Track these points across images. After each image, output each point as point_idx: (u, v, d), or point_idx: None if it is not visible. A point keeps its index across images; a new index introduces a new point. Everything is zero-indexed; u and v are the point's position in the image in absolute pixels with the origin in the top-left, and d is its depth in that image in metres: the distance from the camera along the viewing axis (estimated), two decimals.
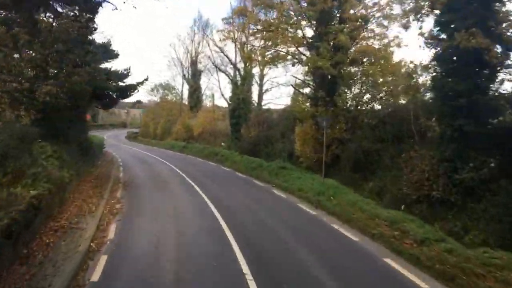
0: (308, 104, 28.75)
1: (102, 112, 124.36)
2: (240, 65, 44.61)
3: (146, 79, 29.56)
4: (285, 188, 20.42)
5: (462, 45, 13.99)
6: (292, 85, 31.21)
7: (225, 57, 48.51)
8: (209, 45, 55.87)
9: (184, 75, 67.64)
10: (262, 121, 38.98)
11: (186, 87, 69.76)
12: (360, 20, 23.34)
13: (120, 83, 28.48)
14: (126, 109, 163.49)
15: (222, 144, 42.58)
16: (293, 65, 27.96)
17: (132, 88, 28.48)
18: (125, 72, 29.73)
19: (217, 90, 58.11)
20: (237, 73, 44.81)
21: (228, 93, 54.46)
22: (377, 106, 25.16)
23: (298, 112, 28.75)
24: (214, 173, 27.11)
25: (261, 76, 47.95)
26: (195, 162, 33.78)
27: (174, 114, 62.74)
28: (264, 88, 50.81)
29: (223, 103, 55.06)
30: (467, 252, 9.84)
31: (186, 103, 67.13)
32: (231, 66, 50.02)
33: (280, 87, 49.12)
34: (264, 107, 49.40)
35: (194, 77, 63.66)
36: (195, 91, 63.48)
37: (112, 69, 29.06)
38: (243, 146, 38.27)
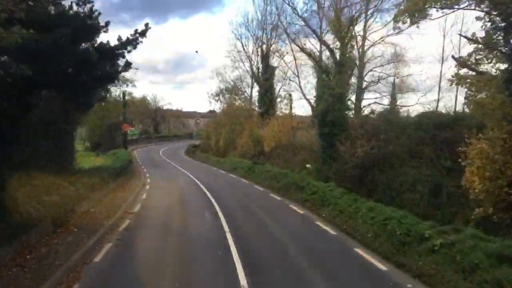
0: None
1: (172, 122, 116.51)
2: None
3: (145, 31, 13.92)
4: None
5: None
6: (453, 57, 15.58)
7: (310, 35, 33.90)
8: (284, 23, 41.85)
9: (253, 73, 54.15)
10: (375, 132, 23.67)
11: (256, 89, 56.48)
12: None
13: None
14: (198, 119, 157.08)
15: (308, 166, 27.76)
16: None
17: (116, 54, 13.53)
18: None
19: (296, 90, 43.62)
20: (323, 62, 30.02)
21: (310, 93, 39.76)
22: None
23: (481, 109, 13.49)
24: (313, 250, 11.97)
25: (361, 64, 32.38)
26: (266, 204, 19.34)
27: (240, 122, 49.14)
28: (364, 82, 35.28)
29: (301, 109, 40.20)
30: None
31: (256, 109, 53.57)
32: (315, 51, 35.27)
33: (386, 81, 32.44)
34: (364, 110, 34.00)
35: (265, 74, 49.84)
36: (266, 93, 49.51)
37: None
38: (343, 171, 23.29)
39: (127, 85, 44.96)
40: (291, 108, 40.92)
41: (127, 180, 23.97)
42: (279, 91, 51.86)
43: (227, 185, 25.48)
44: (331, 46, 28.52)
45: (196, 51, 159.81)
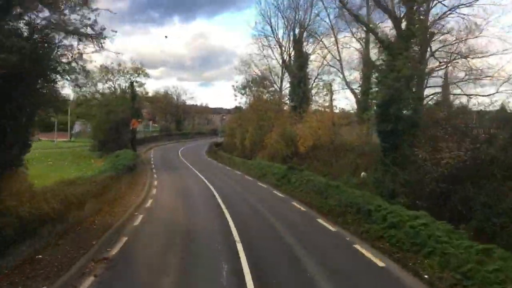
0: None
1: (196, 119, 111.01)
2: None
3: None
4: None
5: None
6: None
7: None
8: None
9: (283, 61, 47.43)
10: (464, 131, 16.58)
11: (287, 80, 49.75)
12: None
13: None
14: (223, 115, 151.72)
15: (363, 175, 20.93)
16: None
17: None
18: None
19: (336, 80, 36.53)
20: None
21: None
22: None
23: None
24: None
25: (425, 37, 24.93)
26: (317, 241, 12.68)
27: (268, 117, 42.53)
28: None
29: (342, 101, 33.11)
30: None
31: (288, 102, 46.89)
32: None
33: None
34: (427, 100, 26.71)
35: (298, 61, 43.00)
36: (299, 84, 42.71)
37: None
38: (419, 184, 16.58)
39: (138, 75, 39.28)
40: (331, 100, 33.94)
41: (119, 198, 17.72)
42: (314, 82, 45.02)
43: (256, 202, 18.92)
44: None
45: (166, 36, 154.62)
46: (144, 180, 24.30)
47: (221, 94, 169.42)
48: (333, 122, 29.12)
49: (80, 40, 10.41)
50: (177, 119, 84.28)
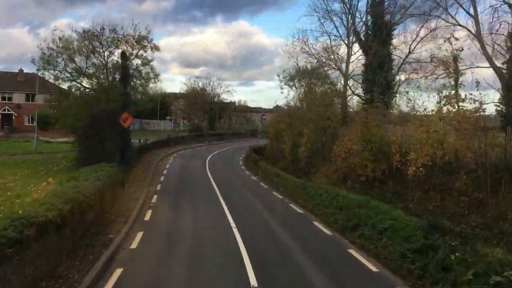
0: None
1: (233, 117, 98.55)
2: None
3: None
4: None
5: None
6: None
7: None
8: None
9: (355, 32, 33.71)
10: None
11: (353, 64, 36.06)
12: None
13: None
14: (264, 114, 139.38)
15: None
16: None
17: None
18: None
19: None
20: None
21: None
22: None
23: None
24: None
25: None
26: None
27: (332, 114, 29.11)
28: None
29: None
30: None
31: (361, 93, 33.36)
32: None
33: None
34: None
35: (379, 34, 29.19)
36: (381, 66, 28.99)
37: None
38: None
39: (143, 48, 26.58)
40: (457, 86, 19.78)
41: None
42: (401, 65, 30.98)
43: None
44: None
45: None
46: (118, 228, 11.64)
47: (261, 94, 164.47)
48: (482, 126, 15.25)
49: None
50: (211, 117, 72.21)
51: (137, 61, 27.60)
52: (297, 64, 42.19)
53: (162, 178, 25.21)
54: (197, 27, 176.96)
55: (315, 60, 39.17)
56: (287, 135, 32.67)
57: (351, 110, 33.91)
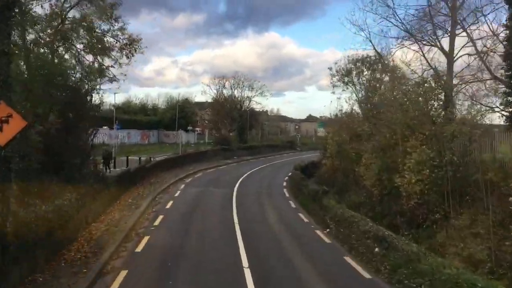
0: None
1: (265, 127, 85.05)
2: None
3: None
4: None
5: None
6: None
7: None
8: None
9: None
10: None
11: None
12: None
13: None
14: (297, 124, 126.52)
15: None
16: None
17: None
18: None
19: None
20: None
21: None
22: None
23: None
24: None
25: None
26: None
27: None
28: None
29: None
30: None
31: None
32: None
33: None
34: None
35: None
36: None
37: None
38: None
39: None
40: None
41: None
42: None
43: None
44: None
45: None
46: None
47: (291, 105, 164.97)
48: None
49: None
50: (240, 126, 59.59)
51: None
52: (374, 47, 28.85)
53: (142, 244, 12.55)
54: (229, 39, 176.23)
55: (402, 31, 25.41)
56: (369, 151, 19.39)
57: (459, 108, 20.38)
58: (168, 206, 18.92)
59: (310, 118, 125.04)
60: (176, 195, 22.10)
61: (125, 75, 23.37)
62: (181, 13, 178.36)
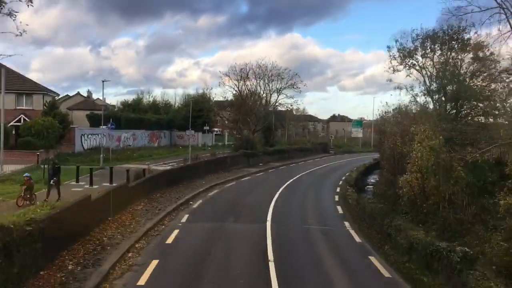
0: None
1: (292, 128, 74.90)
2: None
3: None
4: None
5: None
6: None
7: None
8: None
9: None
10: None
11: None
12: None
13: None
14: (323, 124, 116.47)
15: None
16: None
17: None
18: None
19: None
20: None
21: None
22: None
23: None
24: None
25: None
26: None
27: None
28: None
29: None
30: None
31: None
32: None
33: None
34: None
35: None
36: None
37: None
38: None
39: None
40: None
41: None
42: None
43: None
44: None
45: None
46: None
47: (313, 106, 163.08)
48: None
49: None
50: (266, 127, 50.04)
51: None
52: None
53: None
54: (251, 40, 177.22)
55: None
56: None
57: None
58: (152, 270, 9.69)
59: (336, 118, 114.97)
60: (169, 242, 12.80)
61: None
62: (203, 14, 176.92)
